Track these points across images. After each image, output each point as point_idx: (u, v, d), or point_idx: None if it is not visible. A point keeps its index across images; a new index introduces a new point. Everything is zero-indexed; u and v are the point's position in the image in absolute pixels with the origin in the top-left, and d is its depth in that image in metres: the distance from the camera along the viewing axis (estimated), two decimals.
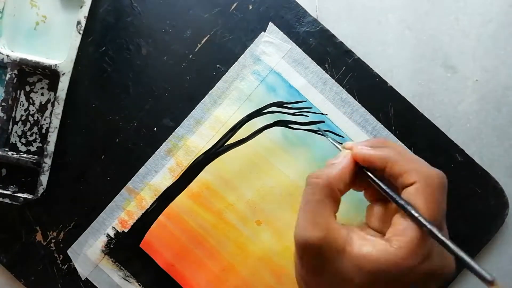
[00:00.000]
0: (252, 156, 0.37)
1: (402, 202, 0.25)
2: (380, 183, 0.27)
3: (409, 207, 0.25)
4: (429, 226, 0.24)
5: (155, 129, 0.37)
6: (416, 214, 0.25)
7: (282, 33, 0.37)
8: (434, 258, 0.25)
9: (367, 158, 0.27)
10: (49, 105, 0.37)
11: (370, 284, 0.25)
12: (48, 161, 0.36)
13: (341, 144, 0.30)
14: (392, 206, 0.27)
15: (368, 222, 0.28)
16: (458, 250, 0.23)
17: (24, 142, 0.37)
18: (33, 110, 0.37)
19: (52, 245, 0.37)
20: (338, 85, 0.37)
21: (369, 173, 0.27)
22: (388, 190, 0.26)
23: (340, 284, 0.25)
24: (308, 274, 0.27)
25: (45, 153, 0.36)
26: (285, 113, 0.37)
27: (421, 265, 0.24)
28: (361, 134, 0.37)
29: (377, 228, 0.27)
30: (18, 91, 0.37)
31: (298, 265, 0.27)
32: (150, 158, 0.37)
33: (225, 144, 0.37)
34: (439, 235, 0.24)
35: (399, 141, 0.37)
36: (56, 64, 0.36)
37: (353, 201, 0.36)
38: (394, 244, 0.24)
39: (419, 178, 0.26)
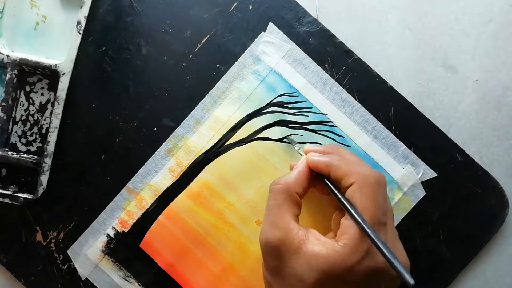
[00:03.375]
0: (252, 156, 0.37)
1: (343, 200, 0.28)
2: (328, 183, 0.30)
3: (347, 204, 0.27)
4: (359, 218, 0.26)
5: (155, 129, 0.37)
6: (351, 210, 0.27)
7: (282, 33, 0.37)
8: (378, 255, 0.26)
9: (315, 164, 0.30)
10: (49, 105, 0.37)
11: (320, 283, 0.26)
12: (48, 161, 0.36)
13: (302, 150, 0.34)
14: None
15: (333, 229, 0.30)
16: (381, 244, 0.25)
17: (24, 142, 0.37)
18: (33, 110, 0.37)
19: (52, 245, 0.37)
20: (338, 85, 0.37)
21: (318, 175, 0.31)
22: (333, 189, 0.29)
23: (296, 284, 0.27)
24: (270, 274, 0.28)
25: (45, 153, 0.36)
26: (285, 113, 0.37)
27: (363, 260, 0.26)
28: (361, 134, 0.37)
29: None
30: (18, 91, 0.37)
31: (263, 267, 0.29)
32: (150, 158, 0.37)
33: (225, 144, 0.37)
34: (368, 229, 0.25)
35: (399, 141, 0.37)
36: (56, 64, 0.36)
37: None
38: (340, 243, 0.26)
39: (357, 178, 0.28)
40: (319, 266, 0.26)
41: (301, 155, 0.34)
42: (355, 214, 0.26)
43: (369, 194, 0.27)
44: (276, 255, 0.27)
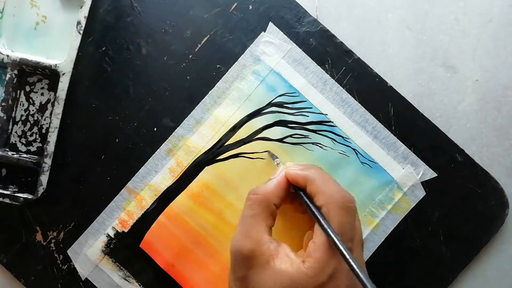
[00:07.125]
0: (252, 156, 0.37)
1: (317, 214, 0.28)
2: (304, 197, 0.30)
3: (321, 218, 0.27)
4: (332, 235, 0.26)
5: (155, 129, 0.37)
6: (324, 224, 0.27)
7: (282, 33, 0.37)
8: (342, 278, 0.27)
9: (294, 176, 0.30)
10: (49, 105, 0.37)
11: None
12: (48, 161, 0.36)
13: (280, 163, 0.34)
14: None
15: (304, 248, 0.30)
16: (354, 264, 0.25)
17: (24, 142, 0.37)
18: (33, 110, 0.37)
19: (52, 245, 0.37)
20: (338, 85, 0.37)
21: (295, 189, 0.31)
22: (308, 202, 0.29)
23: None
24: (235, 282, 0.29)
25: (45, 153, 0.36)
26: (285, 113, 0.37)
27: (328, 284, 0.26)
28: (361, 134, 0.37)
29: None
30: (18, 91, 0.37)
31: (230, 274, 0.30)
32: (150, 158, 0.37)
33: (225, 144, 0.37)
34: (339, 244, 0.26)
35: (399, 141, 0.37)
36: (56, 64, 0.36)
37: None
38: (306, 264, 0.27)
39: (325, 199, 0.28)
40: (283, 285, 0.26)
41: (278, 166, 0.34)
42: (328, 229, 0.26)
43: (334, 217, 0.27)
44: (244, 265, 0.28)
